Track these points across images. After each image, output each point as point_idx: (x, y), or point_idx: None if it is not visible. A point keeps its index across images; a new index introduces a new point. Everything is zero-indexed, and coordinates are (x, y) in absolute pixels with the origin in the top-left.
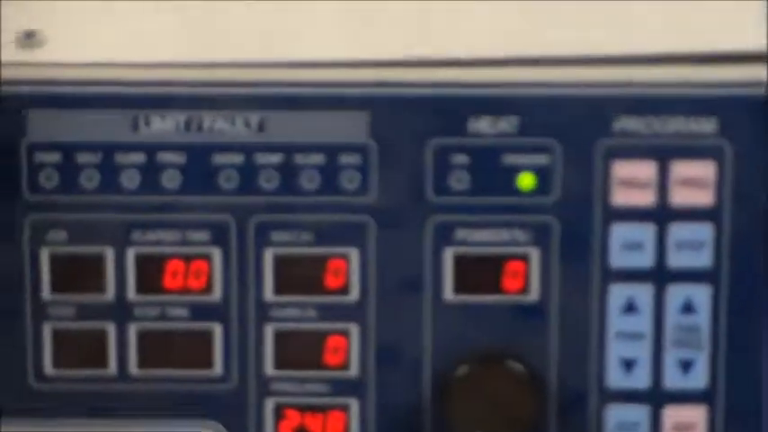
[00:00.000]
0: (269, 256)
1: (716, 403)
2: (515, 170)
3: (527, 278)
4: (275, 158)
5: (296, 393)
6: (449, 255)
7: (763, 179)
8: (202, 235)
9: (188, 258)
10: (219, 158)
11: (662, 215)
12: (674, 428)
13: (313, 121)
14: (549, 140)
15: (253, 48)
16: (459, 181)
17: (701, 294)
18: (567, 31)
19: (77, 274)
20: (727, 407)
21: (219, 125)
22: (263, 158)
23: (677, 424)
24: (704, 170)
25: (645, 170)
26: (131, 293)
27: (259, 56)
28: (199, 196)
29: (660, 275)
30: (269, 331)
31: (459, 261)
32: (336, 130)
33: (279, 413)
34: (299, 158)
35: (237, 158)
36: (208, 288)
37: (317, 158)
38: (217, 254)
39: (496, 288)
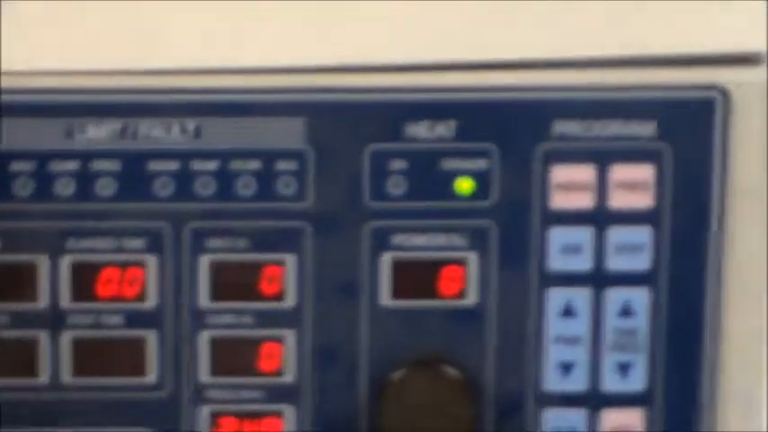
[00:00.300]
0: (204, 262)
1: (654, 406)
2: (453, 175)
3: (465, 282)
4: (211, 165)
5: (231, 400)
6: (386, 260)
7: (702, 182)
8: (137, 242)
9: (123, 266)
10: (155, 165)
11: (601, 218)
12: None
13: (249, 128)
14: (487, 145)
15: (188, 55)
16: (397, 186)
17: (640, 298)
18: (506, 34)
19: (11, 282)
20: (665, 410)
21: (155, 132)
22: (199, 165)
23: (615, 427)
24: (643, 173)
25: (583, 174)
26: (65, 301)
27: (195, 63)
28: (134, 203)
29: (599, 279)
30: (204, 338)
31: (397, 266)
32: (273, 136)
33: (214, 420)
34: (236, 165)
35: (173, 165)
36: (142, 295)
37: (254, 165)
38: (152, 261)
39: (434, 293)
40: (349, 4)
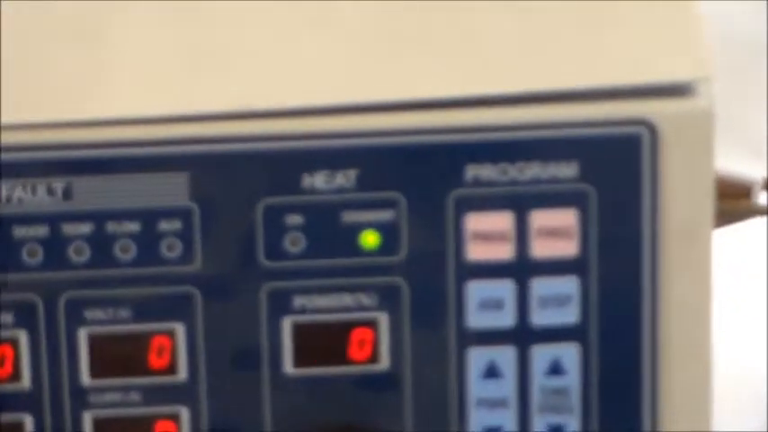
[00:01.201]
0: (83, 336)
1: None
2: (357, 228)
3: (375, 346)
4: (85, 228)
5: None
6: (287, 324)
7: (631, 225)
8: (6, 317)
9: None
10: (21, 231)
11: (522, 270)
12: None
13: (126, 185)
14: (392, 194)
15: (50, 106)
16: (295, 243)
17: (570, 354)
18: (409, 72)
19: None
20: None
21: (19, 194)
22: (70, 229)
23: None
24: (566, 219)
25: (501, 222)
26: None
27: (58, 115)
28: None
29: (523, 335)
30: (87, 419)
31: (299, 331)
32: (153, 193)
33: None
34: (112, 227)
35: (42, 231)
36: (15, 376)
37: (133, 226)
38: (23, 337)
39: (342, 358)
40: (233, 48)
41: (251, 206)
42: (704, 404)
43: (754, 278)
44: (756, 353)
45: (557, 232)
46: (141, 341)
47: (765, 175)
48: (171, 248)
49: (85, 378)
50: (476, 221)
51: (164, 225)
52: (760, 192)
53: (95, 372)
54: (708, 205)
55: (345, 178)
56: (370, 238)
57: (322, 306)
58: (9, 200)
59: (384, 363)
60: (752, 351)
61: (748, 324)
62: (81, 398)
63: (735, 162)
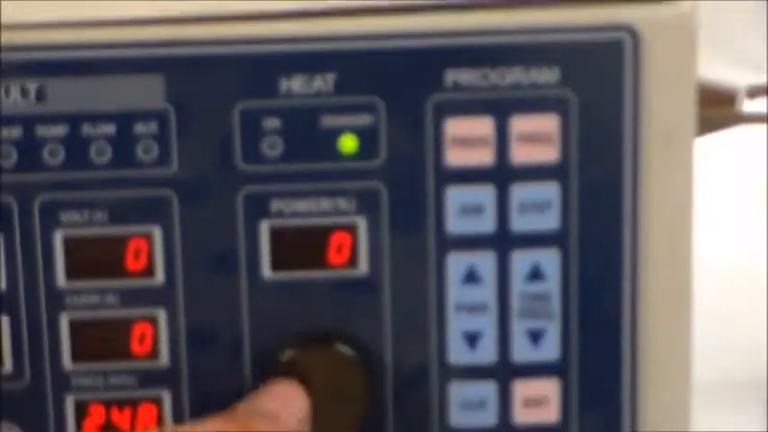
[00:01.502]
0: (58, 238)
1: (569, 376)
2: (335, 133)
3: (354, 251)
4: (59, 130)
5: (99, 388)
6: (264, 228)
7: (612, 131)
8: None
9: None
10: None
11: (502, 175)
12: (525, 404)
13: (101, 87)
14: (371, 98)
15: (26, 7)
16: (273, 147)
17: (549, 260)
18: None
19: None
20: (581, 379)
21: None
22: (44, 131)
23: (528, 399)
24: (547, 124)
25: (481, 127)
26: None
27: (34, 16)
28: None
29: (503, 241)
30: (64, 321)
31: (277, 235)
32: (129, 95)
33: (81, 410)
34: (87, 129)
35: (15, 132)
36: None
37: (108, 128)
38: None
39: (320, 263)
40: None
41: (228, 109)
42: (685, 306)
43: (743, 186)
44: (742, 260)
45: (537, 138)
46: (118, 244)
47: (750, 84)
48: (147, 151)
49: (61, 280)
50: (455, 126)
51: (140, 127)
52: (744, 100)
53: (71, 274)
54: (690, 111)
55: (323, 82)
56: (348, 143)
57: (300, 210)
58: None
59: (362, 268)
60: (737, 258)
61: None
62: (57, 300)
63: (721, 71)
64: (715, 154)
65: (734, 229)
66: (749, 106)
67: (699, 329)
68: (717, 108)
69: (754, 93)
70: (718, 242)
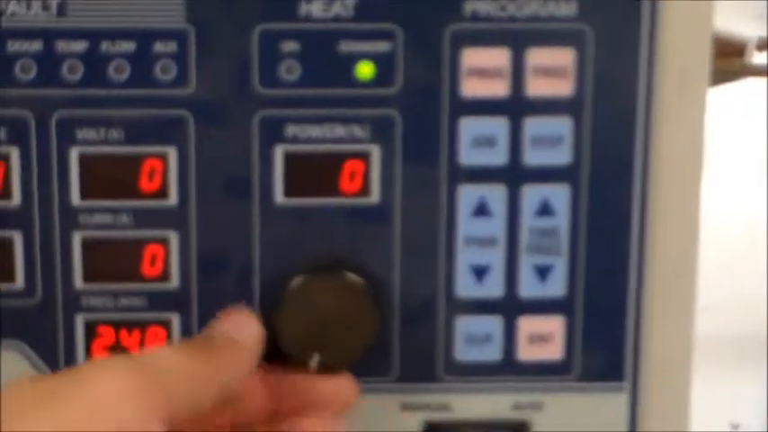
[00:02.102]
0: (74, 155)
1: (574, 313)
2: (352, 59)
3: (366, 178)
4: (79, 46)
5: (109, 309)
6: (278, 153)
7: (628, 67)
8: None
9: None
10: (14, 46)
11: (516, 108)
12: (530, 340)
13: (122, 5)
14: (389, 25)
15: None
16: (290, 71)
17: (560, 195)
18: None
19: None
20: (586, 317)
21: (13, 8)
22: (64, 46)
23: (532, 335)
24: (563, 58)
25: (497, 58)
26: None
27: None
28: None
29: (514, 174)
30: (76, 239)
31: (291, 160)
32: (149, 14)
33: (91, 330)
34: (107, 46)
35: (35, 46)
36: (5, 192)
37: (127, 46)
38: (14, 154)
39: (332, 190)
40: None
41: (247, 31)
42: (691, 248)
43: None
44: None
45: (553, 71)
46: (132, 163)
47: (760, 36)
48: (165, 71)
49: (75, 198)
50: (472, 57)
51: (159, 46)
52: (753, 52)
53: (86, 192)
54: (706, 50)
55: (343, 7)
56: (365, 69)
57: (314, 136)
58: (3, 13)
59: (374, 196)
60: (742, 212)
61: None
62: (70, 218)
63: (733, 22)
64: (721, 106)
65: (736, 184)
66: (758, 58)
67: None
68: (726, 59)
69: (763, 45)
70: (720, 195)
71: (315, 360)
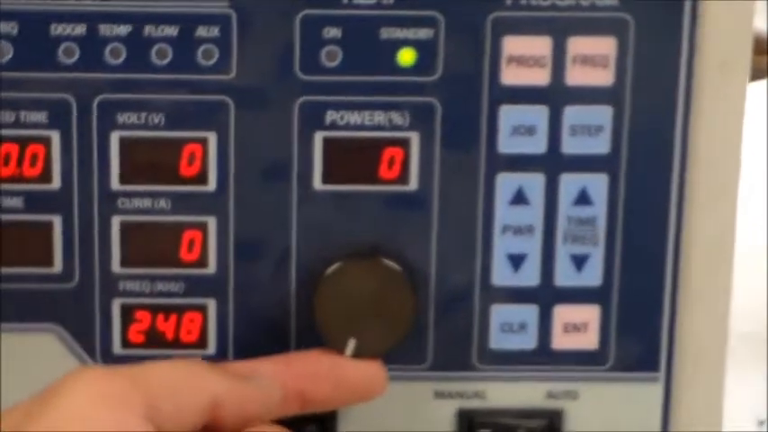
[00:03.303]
0: (115, 139)
1: (610, 303)
2: (394, 45)
3: (405, 166)
4: (122, 30)
5: (146, 293)
6: (318, 139)
7: (668, 57)
8: (39, 116)
9: (23, 142)
10: (58, 30)
11: (556, 97)
12: (565, 329)
13: None
14: (431, 12)
15: None
16: (331, 57)
17: (597, 184)
18: None
19: None
20: (621, 307)
21: None
22: (107, 30)
23: (568, 324)
24: (604, 47)
25: (539, 46)
26: None
27: None
28: (34, 72)
29: (553, 163)
30: (115, 224)
31: (330, 146)
32: None
33: (127, 315)
34: (150, 30)
35: (79, 29)
36: (45, 176)
37: (170, 30)
38: (55, 137)
39: (371, 177)
40: None
41: (290, 17)
42: (728, 239)
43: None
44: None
45: (593, 60)
46: (173, 148)
47: None
48: (207, 56)
49: (115, 182)
50: (513, 45)
51: (201, 31)
52: None
53: (125, 177)
54: (747, 41)
55: None
56: (406, 56)
57: (354, 123)
58: None
59: (413, 183)
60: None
61: None
62: (110, 202)
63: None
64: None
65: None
66: None
67: None
68: (754, 56)
69: None
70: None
71: (351, 346)
